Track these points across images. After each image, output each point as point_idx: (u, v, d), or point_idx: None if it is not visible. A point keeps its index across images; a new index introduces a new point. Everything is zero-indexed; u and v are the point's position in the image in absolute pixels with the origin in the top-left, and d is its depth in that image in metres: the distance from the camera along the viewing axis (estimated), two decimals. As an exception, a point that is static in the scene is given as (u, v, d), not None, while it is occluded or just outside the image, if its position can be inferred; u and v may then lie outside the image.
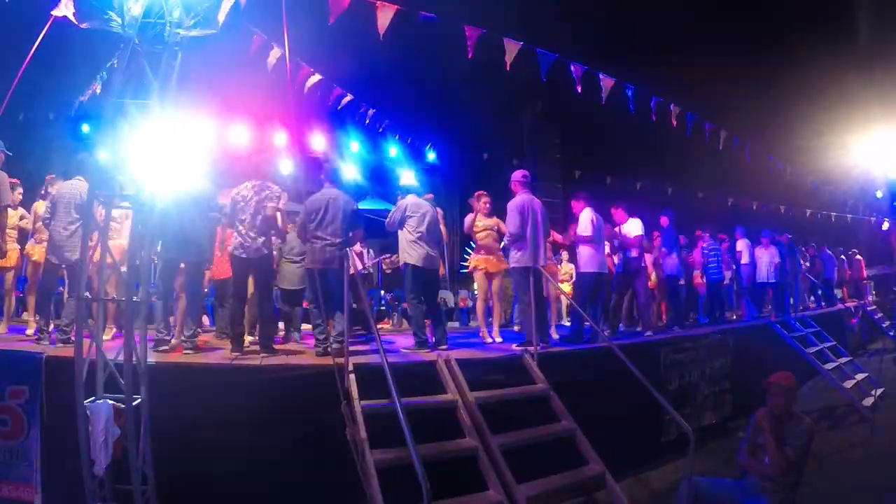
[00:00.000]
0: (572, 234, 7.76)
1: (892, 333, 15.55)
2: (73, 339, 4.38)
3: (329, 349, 5.48)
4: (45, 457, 4.35)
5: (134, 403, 3.84)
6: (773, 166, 14.04)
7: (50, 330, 5.94)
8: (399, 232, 6.62)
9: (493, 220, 7.71)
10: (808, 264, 14.88)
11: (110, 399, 3.86)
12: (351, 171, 13.60)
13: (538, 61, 7.46)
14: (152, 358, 4.57)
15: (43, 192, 6.95)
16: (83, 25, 4.38)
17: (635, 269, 8.48)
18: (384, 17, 6.57)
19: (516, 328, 8.39)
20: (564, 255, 10.78)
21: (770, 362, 8.01)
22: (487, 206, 7.78)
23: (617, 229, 8.60)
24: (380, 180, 15.44)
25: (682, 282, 10.10)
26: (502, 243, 7.42)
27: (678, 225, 9.77)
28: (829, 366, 9.56)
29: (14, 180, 6.72)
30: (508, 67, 7.20)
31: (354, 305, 7.08)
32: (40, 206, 6.87)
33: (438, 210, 7.23)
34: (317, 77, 9.49)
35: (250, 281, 6.36)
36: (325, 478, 4.41)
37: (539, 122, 20.48)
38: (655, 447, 6.64)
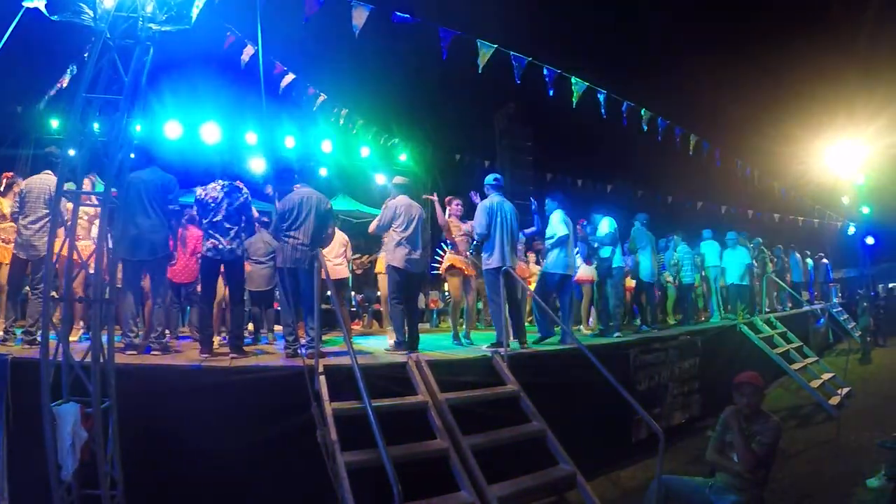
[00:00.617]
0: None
1: (857, 334, 15.94)
2: (39, 340, 4.29)
3: (299, 350, 5.45)
4: (10, 462, 4.25)
5: (102, 406, 3.78)
6: (741, 171, 14.31)
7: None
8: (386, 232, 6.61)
9: (468, 226, 7.68)
10: (775, 267, 15.17)
11: (77, 402, 3.79)
12: (323, 171, 13.52)
13: (512, 64, 7.52)
14: (120, 359, 4.50)
15: (2, 188, 6.79)
16: (54, 17, 4.30)
17: (605, 269, 8.59)
18: (359, 16, 6.57)
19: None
20: (531, 256, 10.71)
21: (738, 363, 8.18)
22: (459, 209, 7.79)
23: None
24: (351, 180, 15.35)
25: (654, 284, 10.21)
26: (471, 248, 7.39)
27: (650, 228, 9.87)
28: (796, 366, 9.76)
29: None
30: (481, 70, 7.24)
31: (325, 306, 7.05)
32: (4, 205, 6.72)
33: (435, 199, 7.38)
34: (291, 76, 9.45)
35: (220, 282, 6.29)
36: (296, 480, 4.38)
37: (512, 125, 20.62)
38: (626, 447, 6.71)
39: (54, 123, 11.17)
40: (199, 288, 6.86)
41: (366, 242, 12.81)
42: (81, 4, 4.09)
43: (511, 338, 6.34)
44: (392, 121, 14.84)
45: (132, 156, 5.29)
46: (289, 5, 6.47)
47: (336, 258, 8.08)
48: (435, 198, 7.52)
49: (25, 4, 5.13)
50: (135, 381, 4.35)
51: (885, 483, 5.16)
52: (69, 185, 4.25)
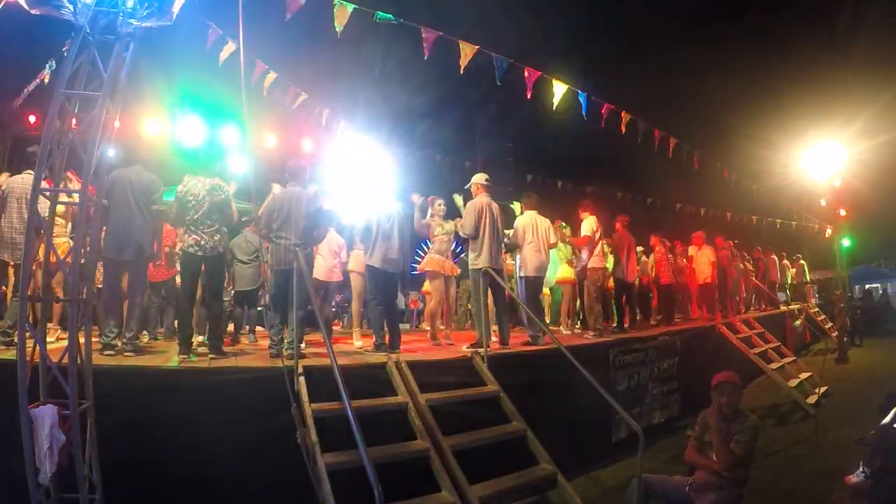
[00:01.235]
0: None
1: (834, 335, 16.18)
2: (15, 341, 4.22)
3: (283, 351, 5.42)
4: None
5: (79, 408, 3.74)
6: (720, 174, 14.46)
7: None
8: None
9: (451, 225, 7.70)
10: (753, 268, 15.35)
11: (55, 404, 3.74)
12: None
13: (493, 65, 7.53)
14: (98, 360, 4.44)
15: None
16: (34, 11, 4.21)
17: (582, 269, 8.65)
18: (341, 15, 6.54)
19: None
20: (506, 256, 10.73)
21: (716, 363, 8.24)
22: (442, 209, 7.81)
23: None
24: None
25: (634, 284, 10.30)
26: (455, 248, 7.41)
27: (630, 229, 9.94)
28: (774, 365, 9.89)
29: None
30: (463, 70, 7.25)
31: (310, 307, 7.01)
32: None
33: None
34: (273, 75, 9.39)
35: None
36: (277, 482, 4.35)
37: (492, 126, 20.66)
38: (606, 446, 6.75)
39: (34, 119, 11.01)
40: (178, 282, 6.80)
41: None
42: (62, -2, 4.03)
43: (495, 338, 6.36)
44: (373, 120, 14.79)
45: (113, 153, 5.23)
46: (271, 2, 6.43)
47: (332, 260, 8.02)
48: (418, 199, 7.51)
49: None
50: (113, 382, 4.30)
51: (863, 479, 5.24)
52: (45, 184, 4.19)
